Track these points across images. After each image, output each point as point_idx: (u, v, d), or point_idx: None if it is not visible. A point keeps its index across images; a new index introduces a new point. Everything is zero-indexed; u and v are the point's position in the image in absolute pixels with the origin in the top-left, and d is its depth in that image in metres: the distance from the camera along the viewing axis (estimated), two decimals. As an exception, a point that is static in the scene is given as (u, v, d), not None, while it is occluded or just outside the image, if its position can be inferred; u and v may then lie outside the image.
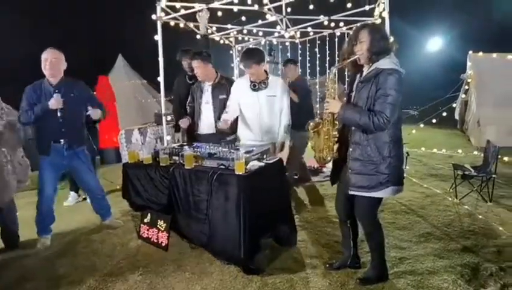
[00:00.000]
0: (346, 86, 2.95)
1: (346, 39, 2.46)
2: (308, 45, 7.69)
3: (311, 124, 2.47)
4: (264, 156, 2.96)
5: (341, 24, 5.92)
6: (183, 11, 5.02)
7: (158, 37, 4.89)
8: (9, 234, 3.31)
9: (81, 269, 2.88)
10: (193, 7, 4.92)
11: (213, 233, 2.73)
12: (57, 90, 3.19)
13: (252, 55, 3.13)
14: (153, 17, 4.83)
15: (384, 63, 2.14)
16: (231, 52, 7.75)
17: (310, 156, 4.43)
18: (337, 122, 2.38)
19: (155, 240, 3.14)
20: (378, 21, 4.97)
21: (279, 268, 2.74)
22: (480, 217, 3.62)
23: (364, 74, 2.26)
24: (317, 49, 7.41)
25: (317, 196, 4.47)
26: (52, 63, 3.19)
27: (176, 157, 3.00)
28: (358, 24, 4.11)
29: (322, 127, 2.40)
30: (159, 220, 3.11)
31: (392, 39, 4.25)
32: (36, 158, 3.39)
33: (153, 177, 3.09)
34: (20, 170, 3.32)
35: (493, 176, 4.02)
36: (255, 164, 2.75)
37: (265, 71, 3.30)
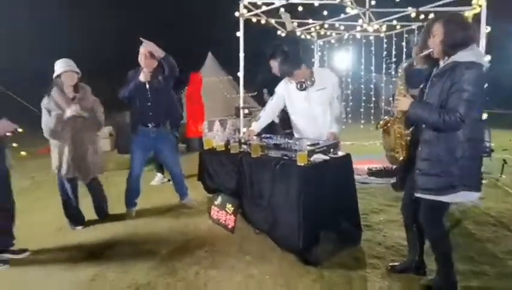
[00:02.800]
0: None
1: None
2: (394, 39, 7.21)
3: (381, 122, 2.38)
4: (331, 150, 2.94)
5: (431, 16, 5.41)
6: (264, 8, 5.17)
7: (240, 34, 5.13)
8: (100, 207, 3.85)
9: (157, 241, 3.26)
10: (273, 3, 5.03)
11: (274, 221, 2.82)
12: (149, 80, 3.63)
13: (289, 62, 3.08)
14: (236, 14, 5.09)
15: (463, 56, 1.95)
16: (312, 46, 7.71)
17: (381, 155, 4.24)
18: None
19: (223, 222, 3.37)
20: (477, 10, 4.43)
21: (338, 264, 2.71)
22: None
23: (440, 67, 2.10)
24: (404, 43, 6.91)
25: (389, 197, 4.24)
26: (147, 58, 3.61)
27: (245, 146, 3.17)
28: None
29: (391, 125, 2.30)
30: (227, 204, 3.33)
31: (488, 29, 3.80)
32: (127, 142, 3.92)
33: (224, 163, 3.32)
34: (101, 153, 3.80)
35: None
36: (319, 157, 2.75)
37: (308, 66, 3.22)
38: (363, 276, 2.53)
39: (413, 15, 5.47)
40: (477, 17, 4.33)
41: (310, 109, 3.23)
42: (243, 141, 3.23)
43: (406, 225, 2.51)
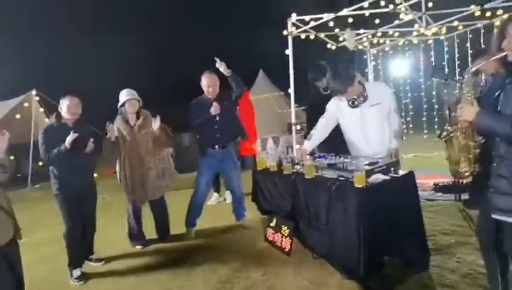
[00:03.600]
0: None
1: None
2: (456, 40, 6.68)
3: (444, 133, 2.18)
4: (392, 169, 2.76)
5: (499, 12, 4.92)
6: (312, 23, 5.13)
7: (289, 51, 5.15)
8: (162, 227, 4.01)
9: (214, 261, 3.30)
10: (322, 18, 4.98)
11: (333, 244, 2.69)
12: (212, 102, 3.82)
13: (341, 80, 2.98)
14: (284, 32, 5.11)
15: None
16: (365, 56, 7.45)
17: (445, 168, 3.88)
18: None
19: (279, 245, 3.31)
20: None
21: (404, 292, 2.50)
22: None
23: None
24: (468, 45, 6.36)
25: (460, 215, 3.83)
26: (212, 89, 3.84)
27: (298, 166, 3.11)
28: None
29: (455, 136, 2.08)
30: (283, 226, 3.27)
31: None
32: (189, 161, 4.08)
33: (278, 184, 3.28)
34: (168, 175, 3.96)
35: None
36: (378, 177, 2.59)
37: (359, 81, 3.08)
38: (435, 308, 2.29)
39: (477, 13, 5.04)
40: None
41: (364, 126, 3.08)
42: (296, 161, 3.17)
43: (483, 251, 2.23)
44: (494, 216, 1.92)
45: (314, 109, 4.49)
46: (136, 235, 3.87)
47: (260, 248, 3.49)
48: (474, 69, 2.12)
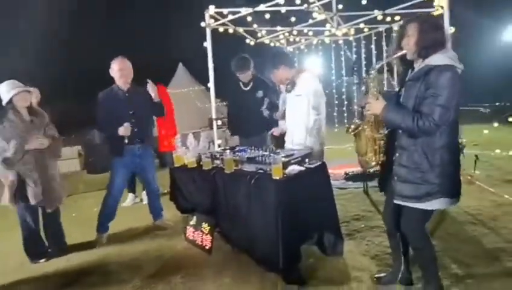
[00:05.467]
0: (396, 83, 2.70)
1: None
2: (363, 41, 7.30)
3: (352, 126, 2.30)
4: (306, 160, 2.83)
5: (397, 18, 5.50)
6: (230, 16, 5.06)
7: (208, 44, 5.00)
8: (59, 238, 3.46)
9: (130, 268, 3.03)
10: (239, 12, 4.94)
11: (253, 239, 2.67)
12: (127, 94, 3.58)
13: (269, 62, 3.15)
14: (202, 24, 4.95)
15: (437, 59, 1.89)
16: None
17: (355, 159, 4.18)
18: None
19: (200, 243, 3.18)
20: (439, 12, 4.51)
21: (322, 279, 2.59)
22: None
23: (414, 70, 2.03)
24: (373, 46, 7.00)
25: (369, 201, 4.19)
26: (126, 72, 3.54)
27: (218, 161, 3.01)
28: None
29: (362, 129, 2.22)
30: (203, 223, 3.14)
31: (452, 30, 3.84)
32: (101, 161, 3.66)
33: (197, 180, 3.14)
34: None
35: None
36: (294, 168, 2.64)
37: (296, 69, 3.25)
38: (349, 291, 2.42)
39: (380, 17, 5.54)
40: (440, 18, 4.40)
41: (290, 112, 3.18)
42: (215, 155, 3.07)
43: (388, 234, 2.43)
44: (396, 202, 2.08)
45: (234, 104, 4.47)
46: (37, 248, 3.32)
47: (179, 248, 3.31)
48: (378, 66, 2.27)
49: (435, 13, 4.53)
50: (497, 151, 6.33)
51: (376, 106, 2.05)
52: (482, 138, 6.63)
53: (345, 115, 8.49)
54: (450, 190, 1.95)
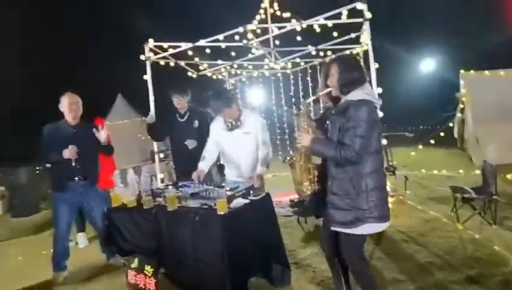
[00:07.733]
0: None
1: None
2: (300, 74, 7.76)
3: (288, 157, 2.42)
4: (250, 192, 2.87)
5: (329, 53, 5.99)
6: (171, 50, 5.10)
7: (148, 77, 4.96)
8: None
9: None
10: (180, 46, 5.01)
11: (200, 277, 2.59)
12: (74, 130, 3.51)
13: (221, 99, 3.17)
14: (142, 57, 4.92)
15: (354, 95, 2.10)
16: (225, 86, 7.84)
17: (291, 188, 4.32)
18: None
19: (143, 286, 3.00)
20: (365, 48, 4.99)
21: (271, 312, 2.58)
22: (484, 242, 3.45)
23: (338, 105, 2.23)
24: (309, 78, 7.47)
25: (312, 230, 4.30)
26: (76, 107, 3.51)
27: (160, 199, 2.92)
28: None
29: (296, 161, 2.35)
30: (146, 266, 2.98)
31: (376, 66, 4.25)
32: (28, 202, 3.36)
33: (138, 221, 2.99)
34: None
35: (494, 197, 3.88)
36: (240, 201, 2.66)
37: (238, 108, 3.31)
38: (297, 321, 2.43)
39: (313, 52, 5.98)
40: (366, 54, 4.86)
41: (236, 150, 3.26)
42: (157, 192, 2.98)
43: (327, 259, 2.53)
44: (332, 228, 2.20)
45: (174, 137, 4.36)
46: None
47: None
48: (308, 101, 2.46)
49: (362, 49, 5.01)
50: (423, 171, 7.00)
51: (305, 138, 2.20)
52: (409, 159, 7.26)
53: (287, 143, 8.81)
54: (378, 214, 2.09)
